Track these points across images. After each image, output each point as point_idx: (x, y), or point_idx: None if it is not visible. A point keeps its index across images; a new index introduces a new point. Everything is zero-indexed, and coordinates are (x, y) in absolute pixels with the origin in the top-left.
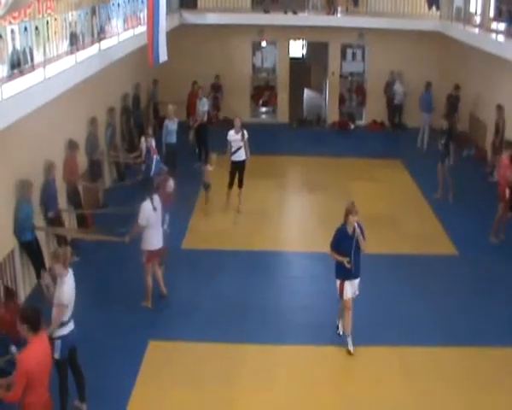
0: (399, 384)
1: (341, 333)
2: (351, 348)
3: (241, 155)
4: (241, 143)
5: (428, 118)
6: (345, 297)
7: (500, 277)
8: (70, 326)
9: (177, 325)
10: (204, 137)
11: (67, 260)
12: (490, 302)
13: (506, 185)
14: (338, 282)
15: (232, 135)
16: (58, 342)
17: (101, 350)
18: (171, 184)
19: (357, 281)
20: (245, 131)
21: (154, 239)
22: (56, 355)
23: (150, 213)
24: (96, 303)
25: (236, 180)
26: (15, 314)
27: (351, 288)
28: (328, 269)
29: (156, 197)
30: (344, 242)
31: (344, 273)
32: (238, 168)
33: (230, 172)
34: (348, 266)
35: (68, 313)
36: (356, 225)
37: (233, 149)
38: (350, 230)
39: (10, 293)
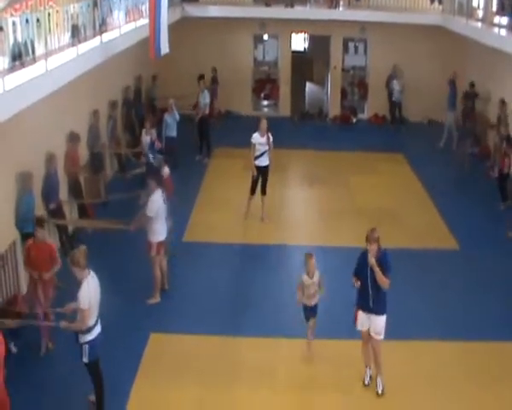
0: (398, 378)
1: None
2: (378, 388)
3: (265, 160)
4: (267, 147)
5: (452, 116)
6: (358, 327)
7: (500, 271)
8: (97, 330)
9: (179, 318)
10: (206, 130)
11: (81, 262)
12: (490, 297)
13: None
14: (354, 308)
15: (257, 138)
16: (85, 347)
17: (102, 342)
18: (166, 170)
19: (376, 318)
20: (270, 135)
21: (162, 230)
22: (85, 359)
23: (160, 205)
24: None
25: (259, 187)
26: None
27: (365, 321)
28: (328, 263)
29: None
30: (362, 268)
31: (359, 300)
32: (261, 174)
33: (253, 177)
34: (355, 285)
35: (93, 317)
36: (370, 255)
37: (257, 153)
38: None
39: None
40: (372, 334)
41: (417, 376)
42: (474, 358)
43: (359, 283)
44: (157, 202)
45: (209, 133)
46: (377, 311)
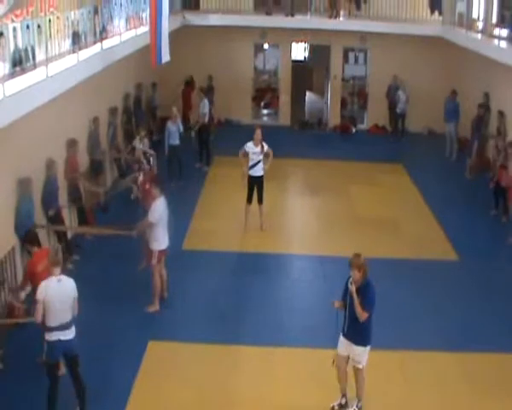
0: (398, 388)
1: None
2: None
3: (259, 170)
4: (261, 157)
5: (453, 127)
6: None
7: (500, 282)
8: (57, 335)
9: (177, 326)
10: (206, 138)
11: (52, 260)
12: (490, 308)
13: None
14: None
15: (251, 147)
16: (44, 345)
17: (101, 350)
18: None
19: (353, 347)
20: (265, 144)
21: (164, 238)
22: (43, 356)
23: (162, 212)
24: (95, 303)
25: (256, 196)
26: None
27: (342, 345)
28: (327, 272)
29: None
30: (345, 292)
31: (342, 323)
32: (256, 183)
33: (248, 186)
34: (333, 306)
35: (53, 319)
36: (350, 282)
37: (251, 163)
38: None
39: None
40: (351, 361)
41: (417, 387)
42: (475, 369)
43: (337, 305)
44: (159, 209)
45: (209, 141)
46: (353, 339)
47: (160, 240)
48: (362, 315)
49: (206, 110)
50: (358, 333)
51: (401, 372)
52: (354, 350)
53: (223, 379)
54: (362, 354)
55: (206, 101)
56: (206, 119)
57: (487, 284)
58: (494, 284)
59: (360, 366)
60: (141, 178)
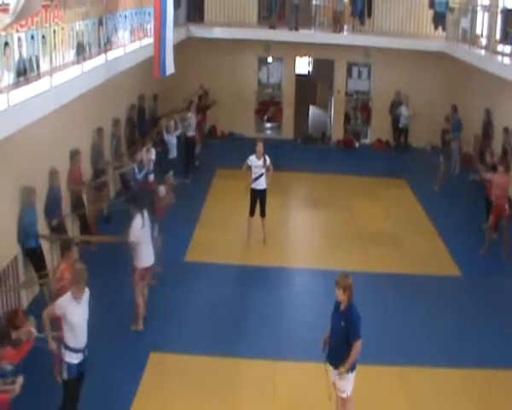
0: (401, 404)
1: None
2: None
3: (262, 183)
4: (263, 170)
5: (455, 142)
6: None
7: (503, 298)
8: (79, 357)
9: (179, 338)
10: (189, 152)
11: (81, 276)
12: (493, 324)
13: None
14: None
15: (254, 160)
16: (65, 365)
17: (103, 362)
18: (161, 189)
19: (333, 371)
20: (267, 157)
21: (146, 255)
22: (64, 376)
23: (139, 230)
24: (97, 315)
25: (258, 209)
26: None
27: (330, 371)
28: (329, 286)
29: (146, 213)
30: (332, 316)
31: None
32: (259, 196)
33: (251, 199)
34: (323, 344)
35: (79, 339)
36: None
37: (254, 176)
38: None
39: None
40: (337, 390)
41: (419, 402)
42: (478, 385)
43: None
44: (137, 228)
45: (193, 155)
46: (335, 365)
47: (141, 257)
48: (356, 348)
49: (192, 122)
50: (341, 359)
51: (403, 388)
52: (334, 373)
53: (224, 392)
54: (344, 382)
55: (191, 114)
56: (192, 132)
57: (490, 299)
58: (497, 300)
59: (344, 395)
60: (163, 189)
